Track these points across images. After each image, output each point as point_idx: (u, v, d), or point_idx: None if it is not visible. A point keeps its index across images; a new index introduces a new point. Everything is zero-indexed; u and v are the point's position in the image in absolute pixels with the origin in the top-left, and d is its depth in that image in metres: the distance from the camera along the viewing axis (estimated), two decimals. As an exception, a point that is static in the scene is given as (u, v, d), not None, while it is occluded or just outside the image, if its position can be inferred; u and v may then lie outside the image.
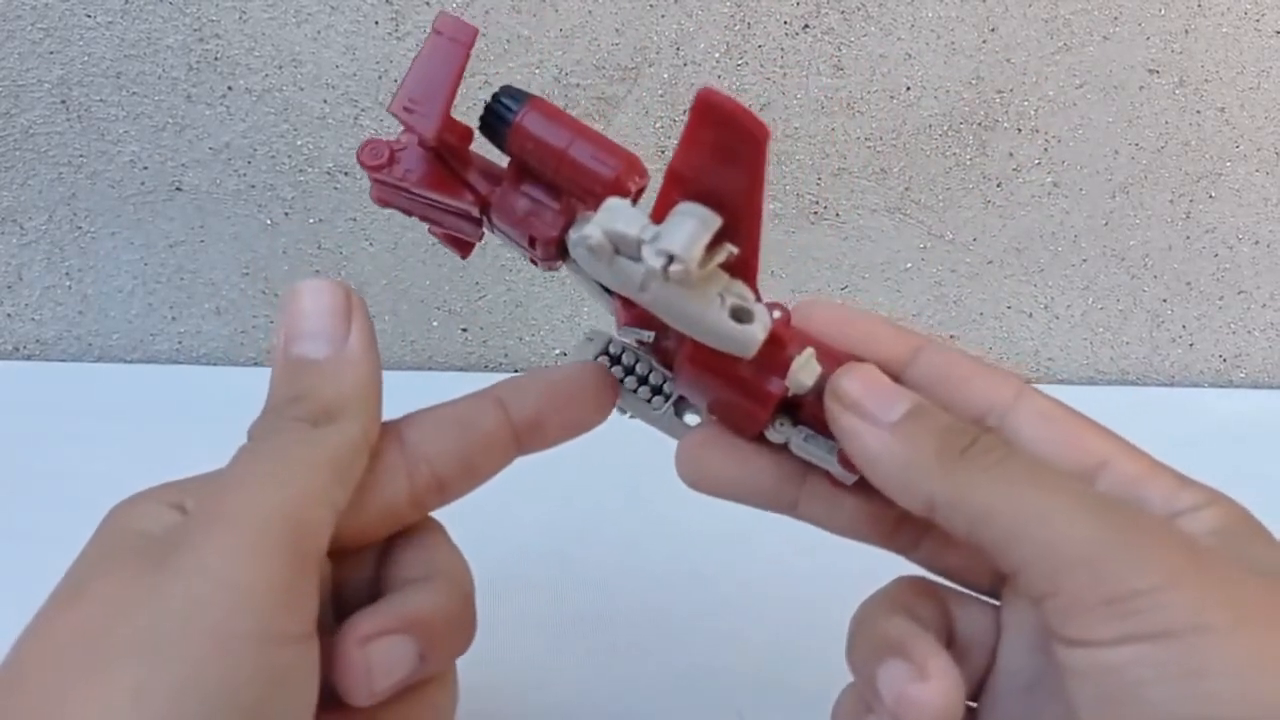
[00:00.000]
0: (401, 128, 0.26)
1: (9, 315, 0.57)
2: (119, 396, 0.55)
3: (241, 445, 0.24)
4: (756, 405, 0.26)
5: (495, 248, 0.56)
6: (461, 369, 0.59)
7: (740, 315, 0.23)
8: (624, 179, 0.24)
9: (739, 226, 0.22)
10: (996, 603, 0.27)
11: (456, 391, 0.27)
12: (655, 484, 0.49)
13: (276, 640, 0.21)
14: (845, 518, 0.27)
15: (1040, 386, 0.27)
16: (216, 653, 0.20)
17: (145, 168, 0.54)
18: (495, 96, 0.25)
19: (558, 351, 0.59)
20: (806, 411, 0.26)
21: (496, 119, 0.25)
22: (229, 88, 0.52)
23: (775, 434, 0.26)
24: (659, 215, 0.22)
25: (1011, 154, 0.55)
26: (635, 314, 0.26)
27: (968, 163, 0.55)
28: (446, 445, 0.26)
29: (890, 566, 0.28)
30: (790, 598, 0.43)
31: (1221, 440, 0.54)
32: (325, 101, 0.52)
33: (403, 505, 0.26)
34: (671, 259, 0.21)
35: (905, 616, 0.26)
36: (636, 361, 0.28)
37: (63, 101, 0.52)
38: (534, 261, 0.27)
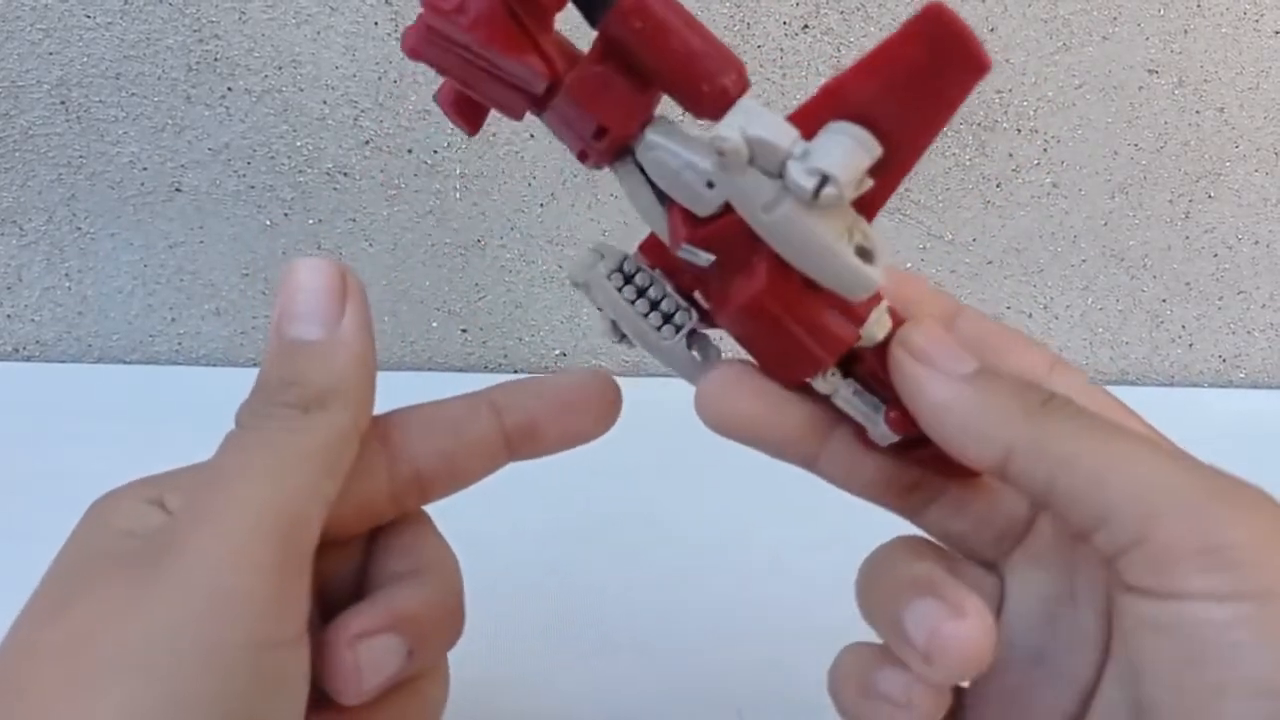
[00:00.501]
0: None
1: (9, 316, 0.57)
2: (119, 397, 0.55)
3: (229, 433, 0.23)
4: (825, 349, 0.24)
5: (495, 248, 0.56)
6: (461, 370, 0.59)
7: (865, 255, 0.21)
8: (732, 88, 0.22)
9: (890, 165, 0.20)
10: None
11: (455, 393, 0.27)
12: (655, 484, 0.49)
13: (269, 646, 0.20)
14: (864, 476, 0.26)
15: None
16: (209, 665, 0.19)
17: (145, 168, 0.54)
18: None
19: (557, 352, 0.59)
20: (864, 365, 0.25)
21: None
22: (229, 88, 0.52)
23: (823, 383, 0.25)
24: (805, 132, 0.21)
25: (1011, 154, 0.55)
26: (700, 234, 0.24)
27: (967, 163, 0.55)
28: (433, 445, 0.26)
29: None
30: (789, 598, 0.43)
31: (1221, 440, 0.54)
32: (325, 102, 0.52)
33: (381, 501, 0.25)
34: (825, 181, 0.19)
35: (931, 560, 0.25)
36: (650, 285, 0.26)
37: (62, 102, 0.52)
38: (582, 156, 0.24)
